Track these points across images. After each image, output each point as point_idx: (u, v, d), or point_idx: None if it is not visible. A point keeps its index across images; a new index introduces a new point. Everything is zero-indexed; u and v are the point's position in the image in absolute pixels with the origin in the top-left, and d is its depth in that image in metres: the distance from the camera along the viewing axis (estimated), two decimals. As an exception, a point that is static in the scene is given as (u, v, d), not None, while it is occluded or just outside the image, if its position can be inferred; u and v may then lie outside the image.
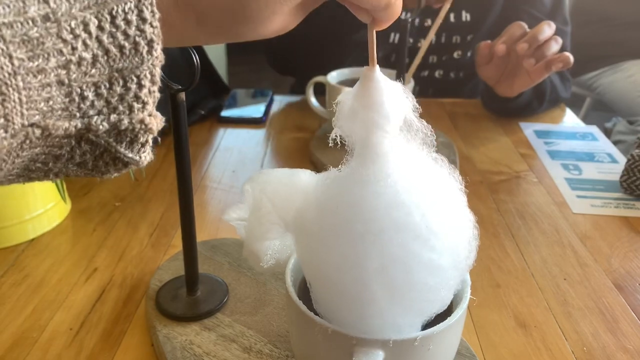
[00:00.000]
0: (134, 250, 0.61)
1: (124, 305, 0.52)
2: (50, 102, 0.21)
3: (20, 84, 0.20)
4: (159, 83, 0.24)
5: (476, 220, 0.61)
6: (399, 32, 1.08)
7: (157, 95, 0.24)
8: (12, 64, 0.19)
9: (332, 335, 0.34)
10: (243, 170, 0.80)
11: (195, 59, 0.40)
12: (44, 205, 0.63)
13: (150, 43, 0.22)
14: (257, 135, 0.92)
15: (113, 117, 0.23)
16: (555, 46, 0.84)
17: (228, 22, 0.26)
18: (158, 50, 0.23)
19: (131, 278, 0.56)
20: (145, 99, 0.24)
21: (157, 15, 0.22)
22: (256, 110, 1.00)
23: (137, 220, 0.66)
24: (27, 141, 0.21)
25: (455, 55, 1.12)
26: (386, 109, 0.31)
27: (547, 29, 0.85)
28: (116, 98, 0.23)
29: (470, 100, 1.10)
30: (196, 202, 0.67)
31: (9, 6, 0.19)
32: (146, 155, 0.26)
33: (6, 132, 0.20)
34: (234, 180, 0.77)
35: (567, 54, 0.84)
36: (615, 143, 1.32)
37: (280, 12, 0.26)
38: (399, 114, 0.32)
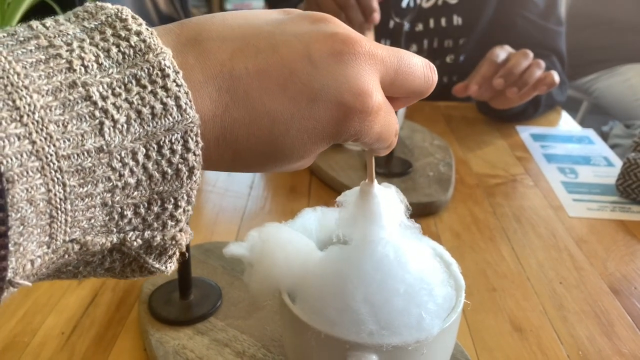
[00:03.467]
0: (128, 254, 0.60)
1: (117, 309, 0.52)
2: (92, 221, 0.22)
3: (69, 207, 0.21)
4: (194, 203, 0.25)
5: (472, 223, 0.62)
6: (392, 37, 1.08)
7: (191, 213, 0.25)
8: (65, 191, 0.21)
9: (326, 340, 0.34)
10: (238, 173, 0.80)
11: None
12: (37, 208, 0.62)
13: (191, 170, 0.24)
14: (252, 138, 0.92)
15: (147, 233, 0.24)
16: (537, 72, 0.84)
17: (259, 162, 0.27)
18: (197, 175, 0.24)
19: (124, 282, 0.56)
20: (180, 217, 0.25)
21: (201, 145, 0.24)
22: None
23: (131, 223, 0.66)
24: (66, 255, 0.22)
25: (448, 59, 1.11)
26: (383, 221, 0.36)
27: (523, 60, 0.84)
28: (152, 217, 0.24)
29: (466, 103, 1.10)
30: (190, 205, 0.67)
31: (69, 140, 0.20)
32: (172, 265, 0.27)
33: (48, 248, 0.21)
34: (229, 184, 0.77)
35: (553, 74, 0.84)
36: (612, 147, 1.32)
37: (306, 158, 0.28)
38: (394, 222, 0.37)
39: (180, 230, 0.25)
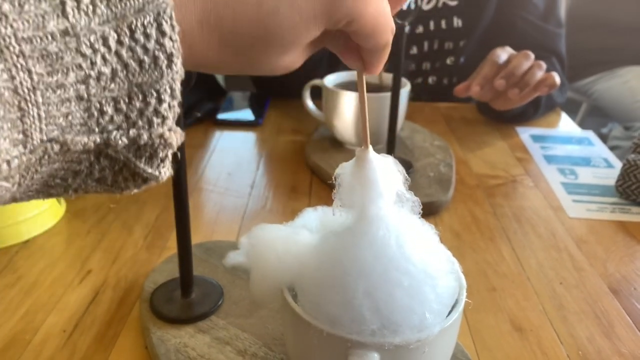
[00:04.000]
0: (129, 253, 0.60)
1: (118, 308, 0.52)
2: (69, 117, 0.21)
3: (40, 99, 0.20)
4: (179, 98, 0.24)
5: (472, 224, 0.62)
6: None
7: (177, 110, 0.24)
8: (32, 79, 0.19)
9: (327, 338, 0.34)
10: (239, 172, 0.80)
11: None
12: (38, 207, 0.62)
13: (170, 57, 0.22)
14: (253, 138, 0.92)
15: (132, 132, 0.23)
16: (539, 73, 0.84)
17: (248, 48, 0.26)
18: (178, 65, 0.23)
19: (125, 280, 0.56)
20: (165, 114, 0.23)
21: (177, 29, 0.22)
22: (252, 113, 1.00)
23: (131, 222, 0.66)
24: (46, 157, 0.21)
25: (448, 61, 1.11)
26: (380, 187, 0.35)
27: (525, 62, 0.84)
28: (135, 113, 0.23)
29: (466, 104, 1.10)
30: (191, 204, 0.67)
31: (28, 21, 0.19)
32: (166, 171, 0.25)
33: (25, 147, 0.20)
34: (230, 183, 0.77)
35: (553, 75, 0.84)
36: (612, 149, 1.33)
37: (297, 45, 0.27)
38: (392, 190, 0.36)
39: (170, 130, 0.24)
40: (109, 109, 0.22)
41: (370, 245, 0.34)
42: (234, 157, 0.85)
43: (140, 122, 0.23)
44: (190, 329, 0.47)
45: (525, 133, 0.97)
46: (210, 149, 0.87)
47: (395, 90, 0.72)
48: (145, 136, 0.23)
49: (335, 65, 0.96)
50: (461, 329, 0.50)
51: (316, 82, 0.86)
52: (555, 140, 0.95)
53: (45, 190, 0.23)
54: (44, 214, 0.63)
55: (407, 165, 0.78)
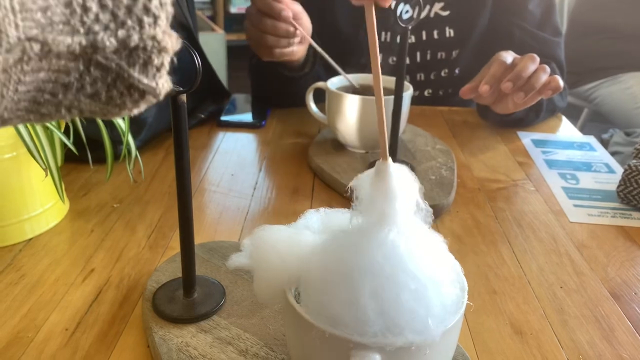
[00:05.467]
0: (132, 252, 0.61)
1: (121, 307, 0.52)
2: (49, 13, 0.19)
3: None
4: None
5: (474, 227, 0.62)
6: (383, 52, 1.08)
7: (170, 10, 0.22)
8: None
9: (329, 339, 0.34)
10: (242, 173, 0.80)
11: (197, 61, 0.40)
12: (42, 205, 0.63)
13: None
14: (256, 140, 0.93)
15: (121, 32, 0.21)
16: (543, 76, 0.83)
17: None
18: None
19: (128, 279, 0.56)
20: (157, 12, 0.21)
21: None
22: (255, 115, 1.01)
23: (135, 221, 0.66)
24: (26, 58, 0.19)
25: (442, 73, 1.11)
26: (401, 199, 0.35)
27: (531, 65, 0.83)
28: (123, 10, 0.21)
29: (468, 108, 1.10)
30: (194, 204, 0.68)
31: None
32: (163, 83, 0.23)
33: (0, 45, 0.18)
34: (233, 184, 0.77)
35: (557, 78, 0.83)
36: (612, 154, 1.33)
37: None
38: (412, 200, 0.36)
39: (163, 32, 0.22)
40: (93, 5, 0.20)
41: (379, 245, 0.35)
42: (236, 158, 0.85)
43: (129, 22, 0.21)
44: (193, 328, 0.47)
45: (526, 138, 0.97)
46: (214, 150, 0.88)
47: (397, 94, 0.72)
48: (135, 37, 0.21)
49: (329, 70, 0.97)
50: (462, 331, 0.50)
51: (319, 84, 0.86)
52: (557, 145, 0.95)
53: (35, 109, 0.22)
54: (47, 213, 0.63)
55: (409, 168, 0.78)
